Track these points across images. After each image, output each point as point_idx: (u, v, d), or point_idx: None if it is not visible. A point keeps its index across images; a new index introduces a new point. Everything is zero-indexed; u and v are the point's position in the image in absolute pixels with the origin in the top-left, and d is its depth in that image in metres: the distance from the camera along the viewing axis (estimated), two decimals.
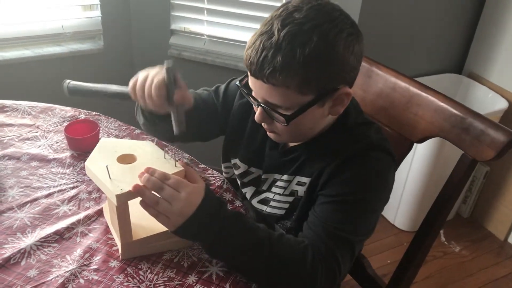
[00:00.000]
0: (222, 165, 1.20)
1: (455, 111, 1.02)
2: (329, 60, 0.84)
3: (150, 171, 0.87)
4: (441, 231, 2.28)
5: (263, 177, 1.09)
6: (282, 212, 1.05)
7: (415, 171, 2.10)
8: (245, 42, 0.90)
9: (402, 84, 1.13)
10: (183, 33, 2.15)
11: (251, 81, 0.91)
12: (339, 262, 0.89)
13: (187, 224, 0.84)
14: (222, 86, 1.16)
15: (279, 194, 1.05)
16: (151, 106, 0.97)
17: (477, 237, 2.29)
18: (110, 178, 0.88)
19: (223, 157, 1.19)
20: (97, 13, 2.06)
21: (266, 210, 1.07)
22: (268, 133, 1.01)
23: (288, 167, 1.03)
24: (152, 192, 0.85)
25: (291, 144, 1.05)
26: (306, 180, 0.99)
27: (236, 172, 1.14)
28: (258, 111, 0.94)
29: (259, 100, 0.91)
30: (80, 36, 2.09)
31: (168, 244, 0.95)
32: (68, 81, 1.09)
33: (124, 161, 0.94)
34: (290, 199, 1.03)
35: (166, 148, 1.24)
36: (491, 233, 2.31)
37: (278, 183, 1.05)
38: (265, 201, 1.08)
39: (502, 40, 2.08)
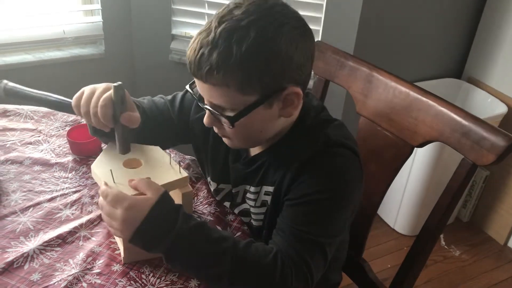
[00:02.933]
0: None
1: (455, 116, 1.03)
2: (269, 57, 0.80)
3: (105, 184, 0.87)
4: (441, 235, 2.28)
5: (233, 191, 1.06)
6: (260, 223, 1.04)
7: (415, 176, 2.11)
8: None
9: (402, 89, 1.14)
10: (184, 38, 2.16)
11: (196, 82, 0.88)
12: (310, 266, 0.87)
13: (135, 238, 0.84)
14: (179, 96, 1.11)
15: (253, 206, 1.03)
16: (95, 124, 0.92)
17: (477, 241, 2.29)
18: (114, 182, 0.88)
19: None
20: (98, 18, 2.07)
21: (252, 222, 1.06)
22: (224, 140, 0.98)
23: (254, 178, 1.00)
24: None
25: (252, 154, 1.01)
26: (271, 189, 0.97)
27: (211, 189, 1.12)
28: (206, 114, 0.91)
29: (205, 103, 0.89)
30: (81, 41, 2.10)
31: None
32: (5, 81, 1.05)
33: (130, 165, 0.95)
34: (263, 209, 1.01)
35: (172, 154, 1.25)
36: (491, 237, 2.31)
37: (249, 195, 1.03)
38: (246, 213, 1.06)
39: (502, 44, 2.09)
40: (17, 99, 1.05)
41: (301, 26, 0.84)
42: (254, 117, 0.86)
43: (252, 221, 1.06)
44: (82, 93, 0.93)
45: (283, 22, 0.81)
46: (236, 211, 1.09)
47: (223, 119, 0.88)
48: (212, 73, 0.80)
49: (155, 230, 0.83)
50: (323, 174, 0.90)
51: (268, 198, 0.99)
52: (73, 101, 0.94)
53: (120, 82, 0.90)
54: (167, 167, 0.94)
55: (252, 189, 1.01)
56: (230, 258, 0.84)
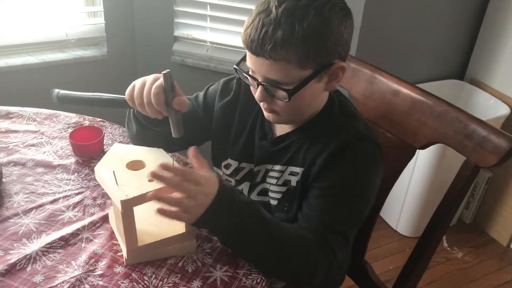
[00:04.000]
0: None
1: (457, 118, 1.03)
2: (325, 34, 0.87)
3: (163, 166, 0.85)
4: (444, 237, 2.28)
5: (255, 170, 1.10)
6: (275, 202, 1.07)
7: (417, 177, 2.11)
8: None
9: (405, 90, 1.14)
10: (186, 40, 2.16)
11: (251, 60, 0.92)
12: (335, 253, 0.94)
13: (206, 214, 0.85)
14: (201, 93, 1.18)
15: (273, 185, 1.07)
16: (149, 113, 0.97)
17: (480, 243, 2.28)
18: (117, 184, 0.88)
19: (213, 163, 1.19)
20: (101, 20, 2.08)
21: (270, 201, 1.09)
22: (266, 114, 1.01)
23: (280, 157, 1.05)
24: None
25: (279, 133, 1.06)
26: (298, 170, 1.02)
27: (227, 172, 1.15)
28: (258, 90, 0.95)
29: (260, 79, 0.93)
30: (84, 43, 2.11)
31: (173, 250, 0.96)
32: (57, 90, 1.07)
33: (133, 167, 0.95)
34: (283, 189, 1.05)
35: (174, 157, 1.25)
36: (493, 239, 2.30)
37: (272, 173, 1.07)
38: (264, 192, 1.10)
39: (504, 46, 2.09)
40: (71, 104, 1.09)
41: (346, 7, 0.92)
42: (306, 91, 0.92)
43: (270, 200, 1.09)
44: (134, 86, 0.98)
45: (335, 4, 0.89)
46: (255, 193, 1.11)
47: (281, 93, 0.92)
48: (276, 49, 0.86)
49: (224, 205, 0.87)
50: (351, 167, 0.96)
51: (292, 178, 1.03)
52: (126, 95, 0.99)
53: (168, 70, 0.95)
54: None
55: (278, 167, 1.05)
56: (279, 235, 0.91)
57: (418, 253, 1.15)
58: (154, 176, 0.83)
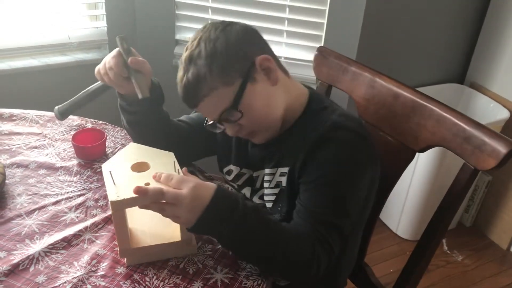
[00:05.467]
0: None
1: (457, 121, 1.04)
2: (222, 50, 0.95)
3: (157, 176, 0.89)
4: (444, 240, 2.28)
5: (254, 175, 1.13)
6: (270, 205, 1.08)
7: (417, 180, 2.11)
8: None
9: (405, 94, 1.15)
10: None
11: (200, 112, 1.05)
12: (331, 246, 0.95)
13: (201, 220, 0.86)
14: None
15: (267, 188, 1.08)
16: (112, 78, 1.05)
17: (480, 246, 2.29)
18: (114, 184, 0.89)
19: (219, 168, 1.22)
20: (102, 23, 2.09)
21: (266, 204, 1.10)
22: (252, 140, 1.07)
23: (270, 160, 1.07)
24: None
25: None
26: (286, 169, 1.04)
27: (230, 178, 1.18)
28: (226, 128, 1.03)
29: (215, 121, 1.01)
30: (86, 46, 2.11)
31: (174, 252, 0.96)
32: (56, 107, 1.15)
33: (139, 168, 0.96)
34: (276, 191, 1.07)
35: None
36: (493, 242, 2.31)
37: (265, 177, 1.09)
38: (262, 197, 1.12)
39: (504, 50, 2.10)
40: (72, 113, 1.17)
41: (223, 23, 1.00)
42: (254, 96, 0.98)
43: (265, 203, 1.10)
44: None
45: (216, 28, 0.99)
46: (256, 197, 1.13)
47: (234, 114, 0.98)
48: (199, 89, 0.96)
49: (223, 207, 0.87)
50: (331, 158, 0.97)
51: (283, 179, 1.04)
52: (95, 72, 1.09)
53: (123, 34, 1.04)
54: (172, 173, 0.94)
55: (268, 170, 1.08)
56: (280, 240, 0.91)
57: (417, 256, 1.15)
58: (137, 192, 0.86)
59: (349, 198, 0.98)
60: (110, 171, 0.91)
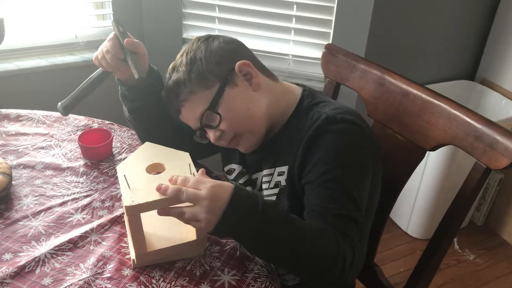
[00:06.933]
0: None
1: (468, 119, 1.02)
2: (201, 57, 1.00)
3: (173, 179, 0.87)
4: (455, 239, 2.26)
5: (253, 177, 1.13)
6: None
7: (427, 179, 2.09)
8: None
9: (414, 91, 1.13)
10: None
11: (185, 121, 1.05)
12: (352, 239, 0.92)
13: (223, 221, 0.83)
14: None
15: (266, 189, 1.08)
16: (110, 61, 1.06)
17: (492, 245, 2.26)
18: (128, 187, 0.88)
19: (222, 167, 1.22)
20: (109, 22, 2.08)
21: None
22: (238, 148, 1.08)
23: (267, 161, 1.07)
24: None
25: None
26: (284, 168, 1.03)
27: (231, 177, 1.17)
28: (209, 134, 1.04)
29: (198, 127, 1.03)
30: (93, 45, 2.11)
31: (181, 253, 0.95)
32: (59, 103, 1.16)
33: (154, 169, 0.95)
34: (275, 191, 1.06)
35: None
36: (505, 241, 2.28)
37: (264, 179, 1.08)
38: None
39: None
40: (75, 106, 1.17)
41: (205, 37, 1.05)
42: (231, 100, 1.00)
43: None
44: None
45: (193, 42, 1.05)
46: None
47: (212, 118, 1.00)
48: (179, 94, 1.01)
49: (243, 206, 0.85)
50: (330, 152, 0.96)
51: (281, 179, 1.04)
52: (93, 58, 1.11)
53: (117, 18, 1.03)
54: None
55: (265, 171, 1.08)
56: (305, 235, 0.88)
57: (428, 256, 1.14)
58: (159, 190, 0.85)
59: (357, 189, 0.96)
60: (124, 175, 0.90)
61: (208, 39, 1.04)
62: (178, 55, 1.06)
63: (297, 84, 1.11)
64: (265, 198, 1.09)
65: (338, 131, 0.96)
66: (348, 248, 0.90)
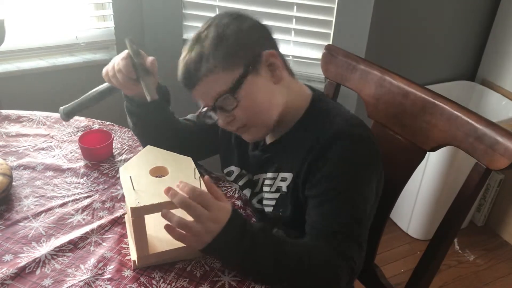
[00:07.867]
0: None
1: (468, 120, 1.02)
2: (231, 35, 0.94)
3: (181, 185, 0.87)
4: (455, 240, 2.26)
5: (254, 178, 1.12)
6: (270, 209, 1.07)
7: (428, 180, 2.09)
8: None
9: (414, 92, 1.13)
10: None
11: (196, 96, 0.99)
12: (352, 259, 0.91)
13: (216, 241, 0.84)
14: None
15: (267, 192, 1.07)
16: (121, 80, 1.05)
17: (492, 246, 2.26)
18: (133, 189, 0.88)
19: (221, 168, 1.22)
20: (110, 23, 2.08)
21: (264, 209, 1.09)
22: (243, 137, 1.05)
23: (272, 164, 1.06)
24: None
25: (269, 142, 1.08)
26: (287, 175, 1.02)
27: (231, 179, 1.17)
28: (218, 116, 1.00)
29: (210, 106, 0.98)
30: (93, 47, 2.12)
31: (182, 254, 0.95)
32: (61, 108, 1.14)
33: (157, 173, 0.94)
34: (276, 195, 1.05)
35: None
36: (506, 242, 2.28)
37: (266, 181, 1.08)
38: (261, 201, 1.11)
39: None
40: (77, 114, 1.19)
41: (234, 13, 0.99)
42: (252, 88, 0.96)
43: (264, 207, 1.09)
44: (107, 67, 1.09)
45: (222, 16, 0.99)
46: (255, 200, 1.12)
47: (229, 101, 0.95)
48: (199, 68, 0.94)
49: (234, 233, 0.85)
50: (336, 169, 0.95)
51: (283, 184, 1.03)
52: (103, 74, 1.09)
53: (131, 37, 1.04)
54: (191, 180, 0.92)
55: (269, 175, 1.06)
56: (298, 260, 0.88)
57: (429, 256, 1.13)
58: (168, 192, 0.85)
59: (361, 206, 0.95)
60: (130, 176, 0.90)
61: (240, 16, 0.98)
62: (204, 25, 0.99)
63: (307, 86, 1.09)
64: (256, 202, 1.10)
65: (346, 148, 0.95)
66: (345, 266, 0.90)
